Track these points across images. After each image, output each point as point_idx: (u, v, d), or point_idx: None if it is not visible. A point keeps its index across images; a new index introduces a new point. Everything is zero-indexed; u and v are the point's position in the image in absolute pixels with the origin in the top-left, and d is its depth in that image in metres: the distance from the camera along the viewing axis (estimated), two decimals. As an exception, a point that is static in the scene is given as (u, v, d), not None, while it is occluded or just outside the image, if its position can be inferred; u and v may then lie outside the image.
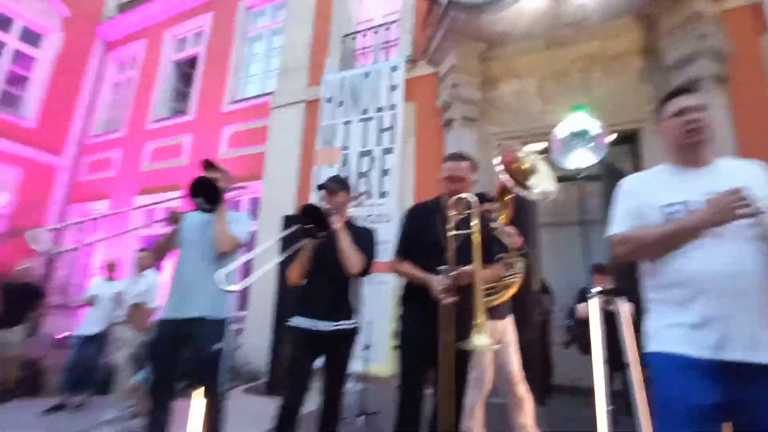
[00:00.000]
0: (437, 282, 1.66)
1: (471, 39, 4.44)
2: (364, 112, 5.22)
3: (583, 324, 3.32)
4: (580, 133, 2.83)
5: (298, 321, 1.94)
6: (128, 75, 9.15)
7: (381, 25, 5.70)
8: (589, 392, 3.33)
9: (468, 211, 1.78)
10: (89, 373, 3.52)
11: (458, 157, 2.01)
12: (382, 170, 4.90)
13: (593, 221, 4.67)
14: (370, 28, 5.78)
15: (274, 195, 5.68)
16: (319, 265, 1.96)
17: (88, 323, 3.63)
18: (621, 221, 1.34)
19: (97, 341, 3.57)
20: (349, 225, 2.09)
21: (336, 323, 1.91)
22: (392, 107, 5.02)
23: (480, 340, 1.49)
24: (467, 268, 1.65)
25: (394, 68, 5.13)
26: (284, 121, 5.95)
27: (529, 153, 2.40)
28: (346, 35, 5.92)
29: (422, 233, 1.87)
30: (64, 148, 8.63)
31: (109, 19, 9.51)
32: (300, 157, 5.66)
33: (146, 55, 8.85)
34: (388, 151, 4.92)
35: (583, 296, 3.42)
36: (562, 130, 2.93)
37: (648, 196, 1.31)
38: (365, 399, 3.15)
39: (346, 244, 1.91)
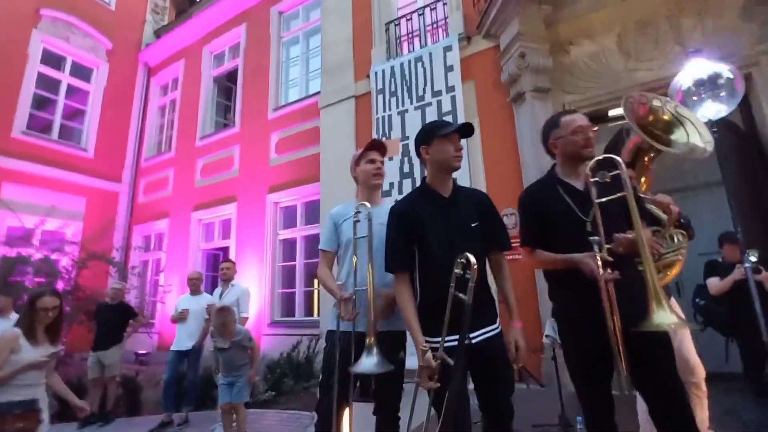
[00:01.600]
0: (590, 258, 1.39)
1: (535, 2, 4.09)
2: (420, 98, 4.98)
3: (719, 301, 2.93)
4: (707, 80, 2.45)
5: None
6: (171, 96, 9.40)
7: (425, 6, 5.42)
8: (733, 379, 2.91)
9: (612, 173, 1.47)
10: (189, 389, 3.52)
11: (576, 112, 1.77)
12: (447, 156, 4.63)
13: (704, 185, 4.18)
14: (414, 11, 5.52)
15: (333, 195, 5.55)
16: None
17: (182, 339, 3.63)
18: None
19: (193, 356, 3.56)
20: None
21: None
22: (451, 89, 4.75)
23: (665, 317, 1.22)
24: (628, 234, 1.38)
25: (447, 48, 4.85)
26: (334, 119, 5.81)
27: (666, 102, 2.08)
28: (389, 23, 5.69)
29: (550, 213, 1.60)
30: (122, 174, 8.98)
31: (149, 45, 9.81)
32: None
33: (186, 74, 9.05)
34: (451, 135, 4.65)
35: (712, 270, 3.02)
36: (684, 79, 2.56)
37: None
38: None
39: None
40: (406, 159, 4.93)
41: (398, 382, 1.74)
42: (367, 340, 1.49)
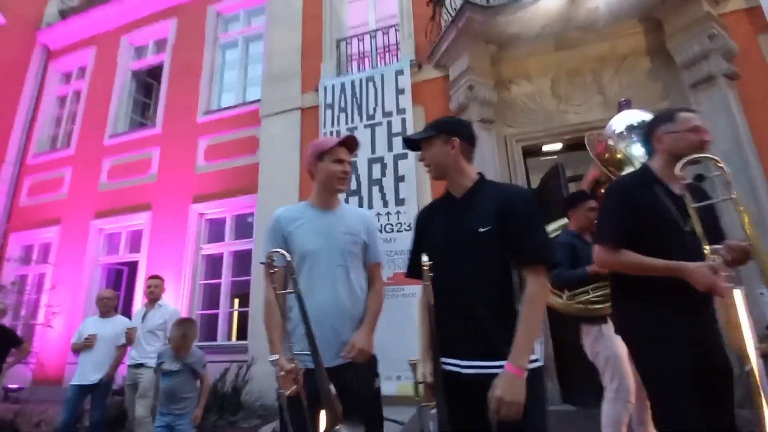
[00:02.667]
0: (709, 269, 1.23)
1: (483, 41, 4.42)
2: (371, 117, 5.00)
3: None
4: (637, 126, 2.84)
5: None
6: (75, 86, 8.18)
7: (378, 30, 5.55)
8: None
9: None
10: (95, 429, 2.87)
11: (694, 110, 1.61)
12: (396, 177, 4.68)
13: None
14: (366, 33, 5.61)
15: (270, 209, 5.22)
16: None
17: (86, 370, 2.98)
18: None
19: (100, 391, 2.94)
20: None
21: None
22: (401, 111, 4.85)
23: None
24: (742, 242, 1.29)
25: (399, 72, 4.98)
26: (277, 130, 5.55)
27: (618, 142, 2.34)
28: (341, 40, 5.70)
29: (647, 213, 1.44)
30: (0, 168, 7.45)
31: (50, 25, 8.49)
32: (299, 166, 5.29)
33: (97, 63, 7.98)
34: (400, 156, 4.72)
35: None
36: (618, 124, 2.92)
37: None
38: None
39: None
40: (353, 176, 4.85)
41: (377, 414, 1.51)
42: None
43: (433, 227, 1.42)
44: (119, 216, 6.68)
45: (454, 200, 1.42)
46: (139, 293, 6.03)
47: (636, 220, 1.44)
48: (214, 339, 5.65)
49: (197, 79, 6.93)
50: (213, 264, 6.16)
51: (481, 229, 1.28)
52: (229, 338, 5.89)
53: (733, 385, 1.30)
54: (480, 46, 4.44)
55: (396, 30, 5.44)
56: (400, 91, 4.92)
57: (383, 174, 4.75)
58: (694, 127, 1.47)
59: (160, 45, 7.70)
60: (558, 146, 4.45)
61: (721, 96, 3.61)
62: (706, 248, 1.26)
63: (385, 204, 4.64)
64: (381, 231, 4.56)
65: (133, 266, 6.55)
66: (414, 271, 1.42)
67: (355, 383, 1.43)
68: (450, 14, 4.54)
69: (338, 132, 5.08)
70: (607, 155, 2.27)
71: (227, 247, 6.07)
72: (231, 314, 5.97)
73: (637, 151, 2.84)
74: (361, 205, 4.72)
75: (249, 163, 6.00)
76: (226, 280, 5.93)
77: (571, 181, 3.89)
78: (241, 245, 5.97)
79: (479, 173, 1.43)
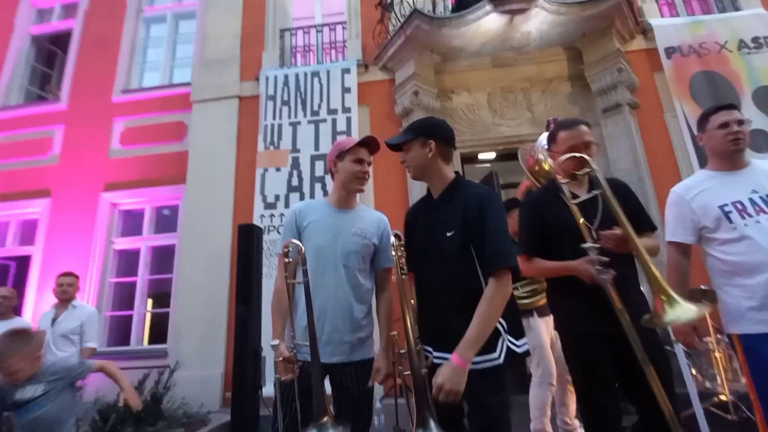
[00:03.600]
0: (587, 262, 1.41)
1: (428, 50, 4.61)
2: (315, 113, 4.92)
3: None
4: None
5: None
6: (-51, 44, 6.78)
7: (325, 25, 5.48)
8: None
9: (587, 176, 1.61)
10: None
11: (581, 122, 1.75)
12: (339, 175, 4.65)
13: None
14: (312, 26, 5.50)
15: (200, 201, 4.88)
16: None
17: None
18: (675, 227, 1.59)
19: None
20: None
21: None
22: (347, 110, 4.85)
23: (682, 312, 1.22)
24: (617, 231, 1.42)
25: (346, 70, 4.97)
26: (211, 117, 5.19)
27: (546, 156, 2.61)
28: (284, 30, 5.52)
29: (552, 221, 1.62)
30: None
31: None
32: (236, 157, 5.01)
33: (-18, 22, 6.72)
34: (345, 155, 4.71)
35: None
36: (541, 140, 3.26)
37: (700, 200, 1.56)
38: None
39: None
40: (295, 172, 4.74)
41: (367, 414, 1.54)
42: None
43: (417, 227, 1.50)
44: (8, 202, 5.70)
45: (432, 201, 1.50)
46: (32, 292, 5.21)
47: (541, 230, 1.64)
48: (127, 343, 5.08)
49: (115, 53, 6.19)
50: (127, 260, 5.54)
51: (448, 234, 1.36)
52: (146, 342, 5.33)
53: (667, 370, 1.43)
54: (425, 54, 4.63)
55: (343, 27, 5.42)
56: (346, 90, 4.91)
57: (326, 171, 4.70)
58: (569, 147, 1.62)
59: (69, 10, 6.74)
60: (492, 155, 4.81)
61: (625, 122, 4.22)
62: (586, 245, 1.43)
63: (328, 202, 4.59)
64: (323, 229, 4.51)
65: (23, 261, 5.63)
66: (409, 266, 1.51)
67: (349, 382, 1.48)
68: (399, 20, 4.66)
69: (280, 125, 4.92)
70: (536, 168, 2.52)
71: (145, 242, 5.50)
72: (151, 315, 5.42)
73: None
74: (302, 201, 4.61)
75: (174, 151, 5.52)
76: (143, 278, 5.37)
77: (504, 188, 4.23)
78: (162, 240, 5.45)
79: (456, 173, 1.51)
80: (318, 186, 4.66)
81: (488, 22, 4.24)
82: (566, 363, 1.64)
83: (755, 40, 4.31)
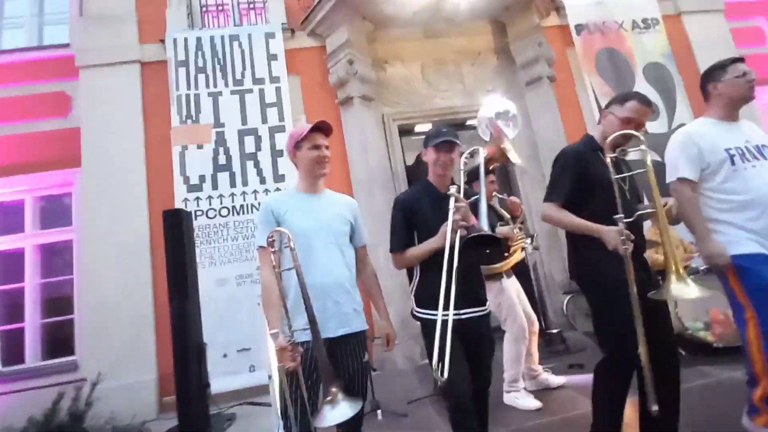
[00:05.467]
0: (616, 231, 1.51)
1: (360, 16, 4.41)
2: (238, 82, 4.43)
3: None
4: (503, 112, 3.33)
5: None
6: None
7: (240, -18, 4.87)
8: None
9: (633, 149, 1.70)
10: None
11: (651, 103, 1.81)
12: (273, 151, 4.31)
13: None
14: (224, -17, 4.85)
15: (104, 186, 4.16)
16: None
17: None
18: (688, 166, 1.78)
19: None
20: None
21: None
22: (275, 80, 4.45)
23: (687, 290, 1.38)
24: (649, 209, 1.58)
25: (270, 35, 4.52)
26: (107, 86, 4.36)
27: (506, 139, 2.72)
28: (191, -15, 4.78)
29: (593, 175, 1.68)
30: None
31: None
32: (144, 132, 4.32)
33: None
34: (277, 129, 4.36)
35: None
36: (487, 110, 3.36)
37: (707, 142, 1.78)
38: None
39: None
40: (221, 149, 4.26)
41: (364, 385, 1.64)
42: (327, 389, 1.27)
43: (425, 209, 1.73)
44: None
45: (440, 194, 1.73)
46: None
47: (581, 182, 1.69)
48: (21, 361, 4.24)
49: (-48, 1, 4.80)
50: (8, 264, 4.54)
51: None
52: (46, 356, 4.50)
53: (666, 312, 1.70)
54: (357, 21, 4.41)
55: (262, -13, 4.89)
56: (272, 57, 4.49)
57: (258, 148, 4.31)
58: (626, 119, 1.70)
59: None
60: (428, 126, 4.86)
61: (546, 94, 4.57)
62: (617, 216, 1.53)
63: (263, 180, 4.24)
64: (257, 209, 4.18)
65: None
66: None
67: (346, 356, 1.54)
68: (328, -19, 4.34)
69: (197, 96, 4.33)
70: (501, 145, 2.60)
71: (30, 240, 4.55)
72: (47, 326, 4.55)
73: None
74: (233, 181, 4.20)
75: (58, 128, 4.57)
76: (31, 283, 4.47)
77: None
78: (52, 236, 4.56)
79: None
80: (250, 164, 4.26)
81: (421, -10, 4.18)
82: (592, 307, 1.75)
83: (645, 20, 4.93)
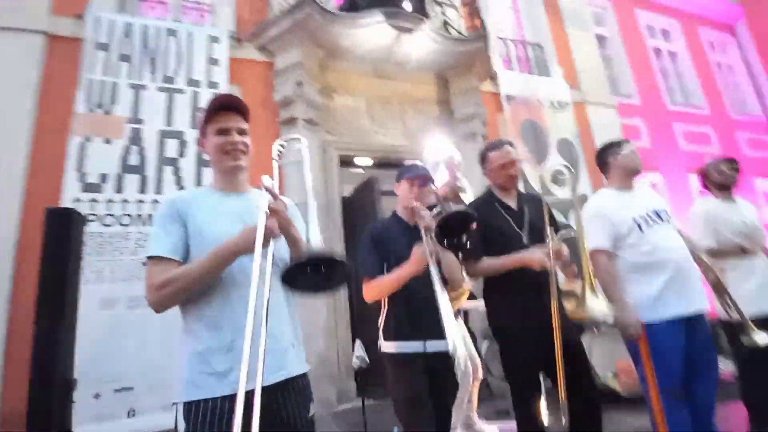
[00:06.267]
0: (538, 252, 1.68)
1: (315, 42, 4.37)
2: (169, 80, 3.98)
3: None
4: (450, 158, 3.46)
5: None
6: None
7: (187, -21, 4.54)
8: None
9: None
10: None
11: (508, 143, 2.09)
12: (199, 159, 3.88)
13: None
14: (169, -25, 4.48)
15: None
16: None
17: None
18: (603, 237, 1.94)
19: None
20: None
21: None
22: (213, 85, 4.10)
23: (599, 305, 1.57)
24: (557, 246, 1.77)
25: (215, 39, 4.22)
26: (-5, 52, 3.59)
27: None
28: (128, -33, 4.32)
29: (492, 226, 1.84)
30: None
31: None
32: (35, 116, 3.59)
33: None
34: (207, 137, 3.96)
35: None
36: (430, 155, 3.47)
37: (617, 214, 1.98)
38: None
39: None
40: (134, 148, 3.70)
41: None
42: None
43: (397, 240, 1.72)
44: None
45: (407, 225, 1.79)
46: None
47: (483, 234, 1.82)
48: None
49: None
50: None
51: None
52: None
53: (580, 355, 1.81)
54: (312, 46, 4.36)
55: (212, -10, 4.62)
56: (213, 61, 4.16)
57: (181, 153, 3.84)
58: (505, 165, 1.98)
59: None
60: (369, 161, 4.87)
61: (479, 151, 4.92)
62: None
63: (181, 189, 3.75)
64: (174, 223, 3.65)
65: None
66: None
67: (289, 409, 1.11)
68: (287, 1, 4.26)
69: (115, 84, 3.78)
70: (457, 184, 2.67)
71: None
72: None
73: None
74: (144, 186, 3.65)
75: None
76: None
77: (383, 195, 4.31)
78: None
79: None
80: (168, 170, 3.76)
81: (378, 32, 4.32)
82: (501, 357, 1.81)
83: (559, 102, 5.73)
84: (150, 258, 1.11)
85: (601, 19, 7.98)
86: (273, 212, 1.10)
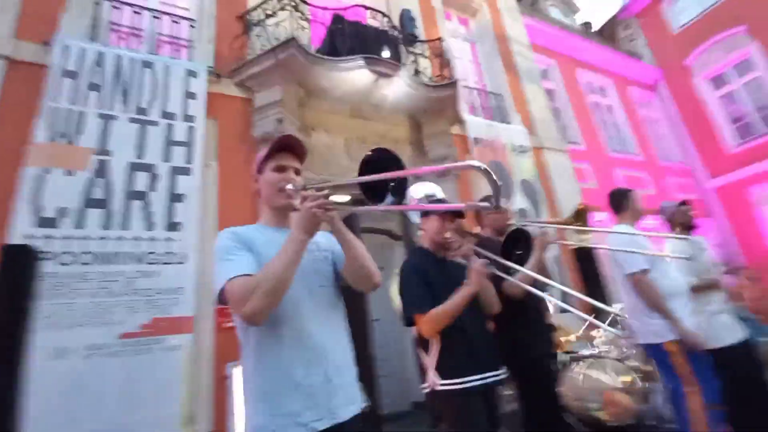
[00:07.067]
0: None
1: (296, 82, 4.44)
2: (141, 111, 3.83)
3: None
4: (429, 195, 3.55)
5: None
6: None
7: (165, 13, 4.50)
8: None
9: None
10: None
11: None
12: (171, 195, 3.68)
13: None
14: (146, 8, 4.42)
15: None
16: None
17: None
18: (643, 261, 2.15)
19: None
20: None
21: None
22: (189, 118, 3.98)
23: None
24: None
25: (193, 73, 4.15)
26: (-57, 73, 3.28)
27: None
28: (102, -2, 4.22)
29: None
30: None
31: None
32: (-17, 144, 3.27)
33: None
34: (181, 171, 3.79)
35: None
36: (417, 192, 3.55)
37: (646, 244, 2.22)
38: None
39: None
40: (100, 181, 3.46)
41: None
42: None
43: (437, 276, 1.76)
44: None
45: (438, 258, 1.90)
46: None
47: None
48: None
49: None
50: None
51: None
52: None
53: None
54: (292, 85, 4.43)
55: (190, 25, 4.61)
56: (190, 95, 4.07)
57: (152, 188, 3.63)
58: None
59: None
60: (346, 198, 4.87)
61: (452, 190, 5.13)
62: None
63: (150, 226, 3.51)
64: (142, 261, 3.38)
65: None
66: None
67: None
68: (269, 41, 4.35)
69: (81, 114, 3.56)
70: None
71: None
72: None
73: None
74: (109, 222, 3.38)
75: None
76: None
77: (364, 232, 4.30)
78: None
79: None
80: (136, 205, 3.52)
81: (358, 76, 4.49)
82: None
83: (521, 146, 6.18)
84: (229, 280, 1.09)
85: (548, 75, 8.89)
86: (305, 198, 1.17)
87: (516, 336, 1.97)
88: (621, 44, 11.61)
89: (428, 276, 1.71)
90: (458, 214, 1.86)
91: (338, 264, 1.31)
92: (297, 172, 1.31)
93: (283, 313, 1.10)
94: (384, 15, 5.01)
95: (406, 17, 5.46)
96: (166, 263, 3.47)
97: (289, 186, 1.25)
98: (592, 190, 7.15)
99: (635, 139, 9.58)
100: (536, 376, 1.91)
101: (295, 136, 1.35)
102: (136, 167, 3.64)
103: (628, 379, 3.41)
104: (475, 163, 0.91)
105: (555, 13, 10.97)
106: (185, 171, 3.81)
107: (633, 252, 2.14)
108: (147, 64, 4.00)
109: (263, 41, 4.43)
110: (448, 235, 1.77)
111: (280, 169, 1.29)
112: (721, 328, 2.44)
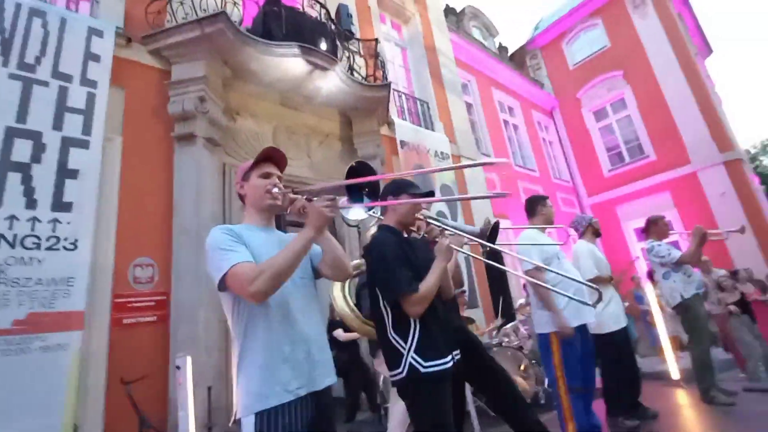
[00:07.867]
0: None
1: (222, 59, 4.12)
2: (29, 68, 3.21)
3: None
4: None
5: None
6: None
7: (63, -43, 3.81)
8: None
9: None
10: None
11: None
12: (62, 170, 3.15)
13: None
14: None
15: None
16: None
17: None
18: (538, 257, 2.37)
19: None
20: None
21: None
22: (90, 83, 3.45)
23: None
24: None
25: (97, 32, 3.60)
26: None
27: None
28: None
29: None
30: None
31: None
32: None
33: None
34: (77, 143, 3.26)
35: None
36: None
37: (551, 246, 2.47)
38: None
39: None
40: (-38, 144, 2.81)
41: None
42: None
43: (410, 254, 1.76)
44: None
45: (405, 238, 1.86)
46: None
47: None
48: None
49: None
50: None
51: None
52: None
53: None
54: (218, 62, 4.11)
55: (96, -24, 3.98)
56: (93, 57, 3.52)
57: (36, 159, 3.07)
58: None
59: None
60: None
61: (379, 172, 5.22)
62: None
63: (31, 204, 2.96)
64: (17, 245, 2.83)
65: None
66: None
67: (330, 416, 1.35)
68: (195, 11, 3.96)
69: (-61, 59, 2.86)
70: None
71: None
72: None
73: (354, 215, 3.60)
74: (-26, 197, 2.76)
75: None
76: None
77: (289, 225, 4.15)
78: None
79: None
80: (16, 177, 2.95)
81: (292, 64, 4.34)
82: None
83: (442, 153, 6.56)
84: (234, 265, 1.21)
85: (468, 89, 9.58)
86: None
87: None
88: (528, 71, 13.02)
89: (407, 254, 1.69)
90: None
91: (314, 260, 1.48)
92: (279, 179, 1.48)
93: (272, 299, 1.24)
94: (322, 6, 4.90)
95: (343, 12, 5.43)
96: (50, 249, 2.96)
97: (275, 189, 1.39)
98: (500, 200, 7.91)
99: (534, 156, 10.83)
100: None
101: (278, 148, 1.52)
102: (17, 133, 3.04)
103: (524, 365, 3.88)
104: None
105: (477, 33, 11.86)
106: (82, 143, 3.29)
107: (530, 246, 2.51)
108: (36, 13, 3.36)
109: (187, 9, 4.03)
110: (419, 215, 1.85)
111: (267, 176, 1.45)
112: (608, 316, 2.94)
